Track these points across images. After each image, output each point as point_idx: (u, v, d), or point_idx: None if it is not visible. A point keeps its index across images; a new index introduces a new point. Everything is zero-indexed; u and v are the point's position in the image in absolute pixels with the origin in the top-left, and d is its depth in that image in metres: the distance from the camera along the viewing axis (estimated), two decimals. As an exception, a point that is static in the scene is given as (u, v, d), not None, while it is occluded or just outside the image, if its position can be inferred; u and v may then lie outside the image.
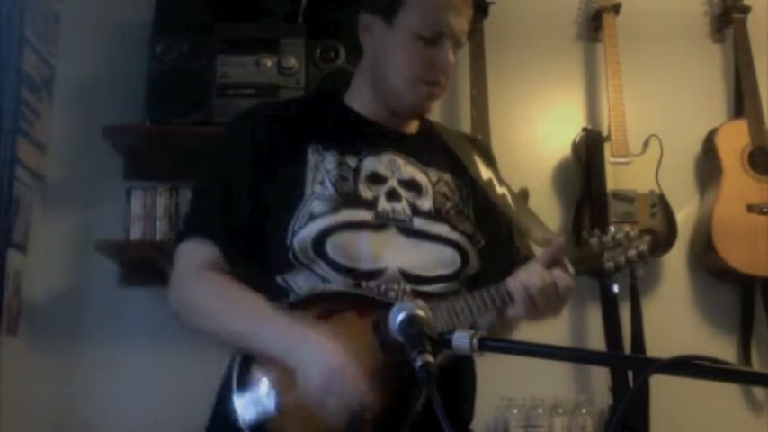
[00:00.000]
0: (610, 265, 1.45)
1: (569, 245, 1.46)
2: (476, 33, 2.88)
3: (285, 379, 1.32)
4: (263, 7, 2.76)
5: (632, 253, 1.45)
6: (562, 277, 1.40)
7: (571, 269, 1.43)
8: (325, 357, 1.29)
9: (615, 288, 1.49)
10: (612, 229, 1.48)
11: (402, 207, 1.50)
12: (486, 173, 1.62)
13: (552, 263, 1.41)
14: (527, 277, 1.38)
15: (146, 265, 2.61)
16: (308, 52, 2.67)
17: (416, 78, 1.50)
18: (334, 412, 1.28)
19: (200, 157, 1.59)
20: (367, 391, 1.28)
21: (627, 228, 1.49)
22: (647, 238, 1.47)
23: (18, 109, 2.54)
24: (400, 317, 1.10)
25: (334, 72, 2.65)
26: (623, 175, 2.76)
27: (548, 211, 2.86)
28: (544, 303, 1.38)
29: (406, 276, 1.44)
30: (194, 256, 1.48)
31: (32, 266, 2.70)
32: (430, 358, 1.03)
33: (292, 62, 2.64)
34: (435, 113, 2.87)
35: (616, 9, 2.92)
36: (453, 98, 2.93)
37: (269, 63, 2.64)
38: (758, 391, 2.80)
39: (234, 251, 1.47)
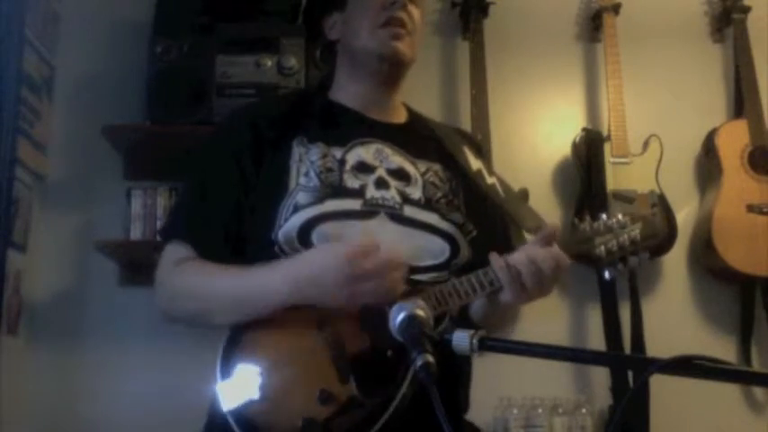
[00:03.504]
0: (601, 250, 1.44)
1: (562, 232, 1.44)
2: (476, 33, 2.89)
3: (268, 364, 1.32)
4: (263, 7, 2.76)
5: (624, 239, 1.44)
6: (554, 251, 1.38)
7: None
8: (327, 255, 1.32)
9: (607, 274, 1.46)
10: (604, 216, 1.47)
11: (392, 195, 1.50)
12: (475, 163, 1.61)
13: (545, 246, 1.40)
14: (515, 257, 1.37)
15: (146, 265, 2.58)
16: (308, 52, 2.67)
17: (375, 25, 1.53)
18: (375, 292, 1.29)
19: (194, 157, 1.61)
20: (397, 257, 1.31)
21: (619, 215, 1.47)
22: (639, 224, 1.45)
23: (18, 109, 2.54)
24: (400, 317, 1.10)
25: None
26: (623, 175, 2.76)
27: (548, 211, 2.86)
28: (532, 280, 1.35)
29: None
30: (174, 256, 1.49)
31: (32, 266, 2.70)
32: (430, 358, 1.02)
33: (292, 62, 2.64)
34: (435, 114, 2.90)
35: (616, 9, 2.92)
36: (453, 98, 2.94)
37: (269, 63, 2.64)
38: (758, 391, 2.80)
39: (215, 252, 1.47)
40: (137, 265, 2.70)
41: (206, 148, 1.60)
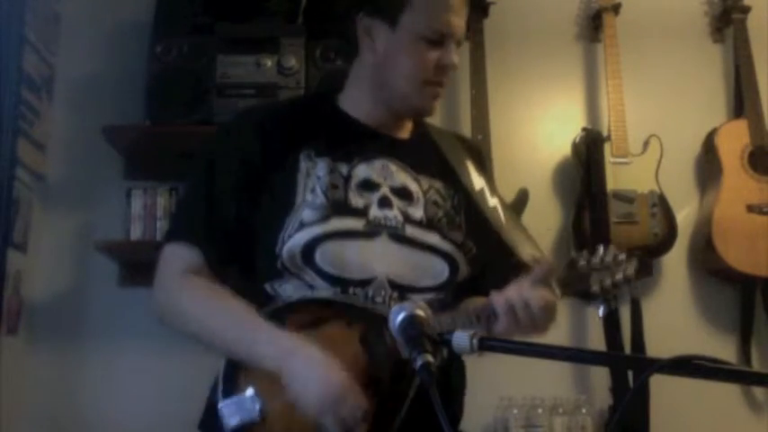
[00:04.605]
0: (596, 288, 1.44)
1: (557, 267, 1.45)
2: (476, 33, 2.88)
3: (271, 386, 1.32)
4: (263, 7, 2.75)
5: (619, 276, 1.44)
6: (546, 295, 1.39)
7: (558, 291, 1.42)
8: (322, 374, 1.30)
9: (601, 312, 1.46)
10: (601, 250, 1.46)
11: (394, 214, 1.50)
12: (478, 182, 1.62)
13: (540, 282, 1.40)
14: (511, 293, 1.38)
15: (146, 265, 2.57)
16: (308, 52, 2.67)
17: (424, 81, 1.51)
18: (331, 427, 1.29)
19: (200, 158, 1.59)
20: (364, 408, 1.29)
21: (614, 250, 1.47)
22: (635, 261, 1.45)
23: (18, 109, 2.54)
24: (400, 317, 1.10)
25: (333, 72, 2.64)
26: (623, 175, 2.76)
27: (548, 211, 2.86)
28: (527, 319, 1.37)
29: (395, 286, 1.45)
30: (179, 260, 1.48)
31: (32, 266, 2.70)
32: (430, 359, 1.02)
33: (292, 62, 2.64)
34: (435, 113, 2.90)
35: (616, 9, 2.92)
36: (453, 98, 2.93)
37: (269, 63, 2.64)
38: (758, 391, 2.80)
39: (218, 258, 1.47)
40: (137, 265, 2.70)
41: (213, 150, 1.57)
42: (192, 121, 2.60)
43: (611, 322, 2.73)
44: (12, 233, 2.53)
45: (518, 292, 1.37)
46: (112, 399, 2.67)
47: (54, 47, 2.86)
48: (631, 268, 1.44)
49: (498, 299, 1.38)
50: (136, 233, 2.65)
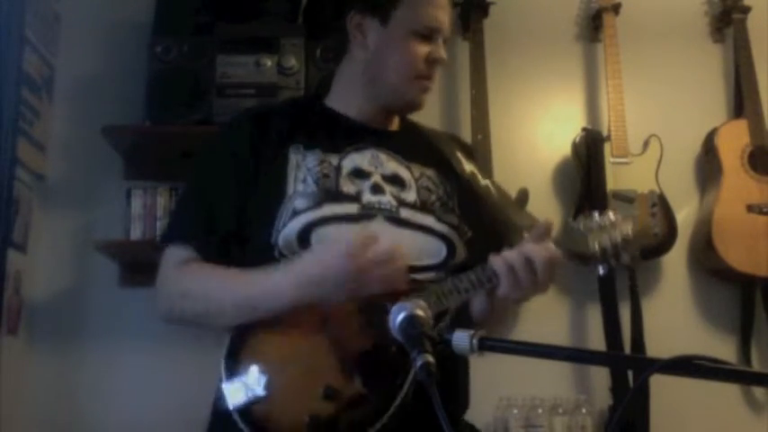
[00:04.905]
0: (594, 247, 1.45)
1: (556, 231, 1.46)
2: (476, 33, 2.88)
3: (276, 361, 1.34)
4: (263, 7, 2.76)
5: (616, 235, 1.45)
6: (549, 248, 1.39)
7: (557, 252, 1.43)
8: (332, 254, 1.35)
9: (601, 270, 1.47)
10: (597, 214, 1.47)
11: (388, 199, 1.52)
12: (468, 166, 1.64)
13: (541, 239, 1.41)
14: (510, 253, 1.39)
15: (146, 265, 2.58)
16: (308, 52, 2.67)
17: (414, 76, 1.55)
18: (378, 283, 1.33)
19: (196, 160, 1.63)
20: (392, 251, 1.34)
21: (611, 213, 1.48)
22: (630, 222, 1.46)
23: (18, 109, 2.54)
24: (400, 317, 1.10)
25: (333, 72, 2.64)
26: (623, 175, 2.76)
27: (548, 212, 2.86)
28: (528, 279, 1.37)
29: None
30: (177, 258, 1.51)
31: (32, 266, 2.70)
32: (430, 358, 1.02)
33: (292, 62, 2.64)
34: (435, 113, 2.90)
35: (616, 9, 2.92)
36: (453, 98, 2.93)
37: (269, 63, 2.64)
38: (758, 391, 2.80)
39: (216, 255, 1.49)
40: (137, 265, 2.70)
41: (207, 152, 1.62)
42: (192, 122, 2.60)
43: (611, 322, 2.74)
44: (12, 233, 2.53)
45: (518, 250, 1.38)
46: (112, 399, 2.67)
47: (54, 47, 2.86)
48: (627, 227, 1.45)
49: (497, 260, 1.38)
50: (136, 233, 2.65)
